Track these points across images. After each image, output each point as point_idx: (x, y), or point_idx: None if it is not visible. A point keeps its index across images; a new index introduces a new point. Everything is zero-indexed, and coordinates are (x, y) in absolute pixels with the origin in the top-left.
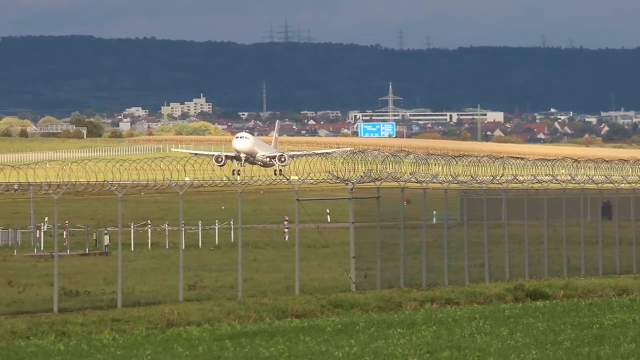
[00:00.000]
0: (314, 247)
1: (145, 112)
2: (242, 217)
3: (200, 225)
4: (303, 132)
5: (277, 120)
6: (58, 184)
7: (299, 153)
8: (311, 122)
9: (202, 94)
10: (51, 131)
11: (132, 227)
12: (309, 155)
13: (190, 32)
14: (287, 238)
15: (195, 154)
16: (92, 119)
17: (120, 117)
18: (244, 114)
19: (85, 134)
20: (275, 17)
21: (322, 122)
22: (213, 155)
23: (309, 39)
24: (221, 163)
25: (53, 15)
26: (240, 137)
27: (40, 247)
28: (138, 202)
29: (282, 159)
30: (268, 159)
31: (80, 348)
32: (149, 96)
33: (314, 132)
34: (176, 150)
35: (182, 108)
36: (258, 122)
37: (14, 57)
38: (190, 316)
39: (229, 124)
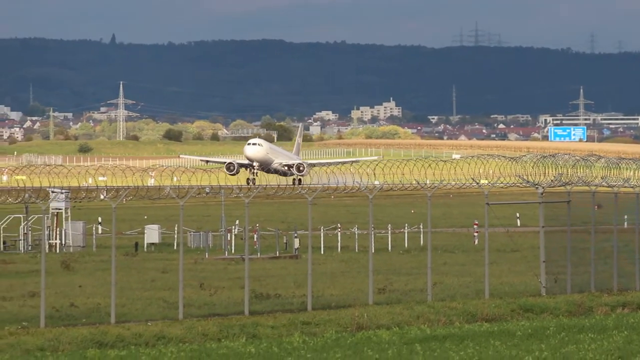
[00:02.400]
0: (503, 251)
1: (335, 115)
2: (432, 220)
3: (389, 228)
4: (493, 135)
5: (301, 124)
6: (249, 187)
7: (320, 162)
8: (501, 125)
9: (391, 98)
10: (242, 135)
11: (322, 230)
12: (332, 164)
13: (380, 36)
14: (476, 242)
15: (207, 161)
16: (282, 123)
17: (310, 120)
18: (433, 118)
19: (275, 138)
20: (465, 21)
21: (512, 126)
22: (224, 163)
23: (499, 43)
24: (233, 172)
25: (244, 20)
26: (253, 144)
27: (231, 250)
28: (328, 206)
29: (301, 168)
30: (286, 168)
31: (270, 351)
32: (339, 100)
33: (503, 136)
34: (185, 157)
35: (371, 112)
36: (448, 125)
37: (205, 61)
38: (380, 319)
39: (419, 127)
